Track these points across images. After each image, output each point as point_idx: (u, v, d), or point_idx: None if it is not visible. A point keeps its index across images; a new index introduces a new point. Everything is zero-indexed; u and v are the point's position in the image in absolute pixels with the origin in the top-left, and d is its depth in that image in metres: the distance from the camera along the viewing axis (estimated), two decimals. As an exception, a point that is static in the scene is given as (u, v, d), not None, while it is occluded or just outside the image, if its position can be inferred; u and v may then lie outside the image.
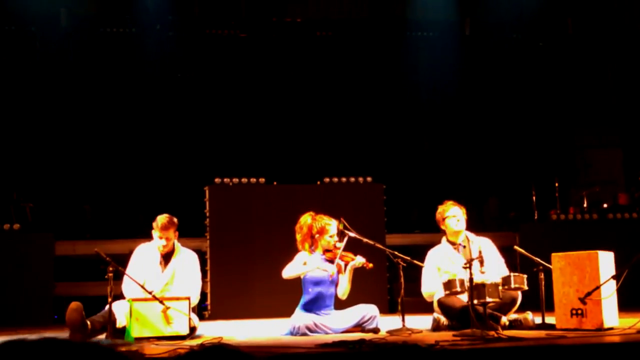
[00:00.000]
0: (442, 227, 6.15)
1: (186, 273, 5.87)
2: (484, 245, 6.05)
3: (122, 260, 5.86)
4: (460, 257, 5.91)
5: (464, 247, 5.98)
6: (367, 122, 11.36)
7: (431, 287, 6.00)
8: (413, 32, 11.61)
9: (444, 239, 6.17)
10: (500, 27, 11.49)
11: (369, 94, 11.47)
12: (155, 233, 5.81)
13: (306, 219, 5.94)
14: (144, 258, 5.86)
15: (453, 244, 6.10)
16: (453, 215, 6.06)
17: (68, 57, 10.74)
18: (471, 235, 6.15)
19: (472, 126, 11.49)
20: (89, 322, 5.38)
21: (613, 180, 11.29)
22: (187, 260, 5.94)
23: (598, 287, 5.27)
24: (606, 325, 5.28)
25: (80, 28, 10.81)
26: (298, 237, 5.94)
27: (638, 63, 11.57)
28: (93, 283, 8.37)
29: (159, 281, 5.77)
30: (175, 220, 5.87)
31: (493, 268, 5.84)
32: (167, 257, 5.87)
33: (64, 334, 5.64)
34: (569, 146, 11.86)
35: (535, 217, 9.73)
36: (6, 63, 10.55)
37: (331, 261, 5.84)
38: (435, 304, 5.97)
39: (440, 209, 6.15)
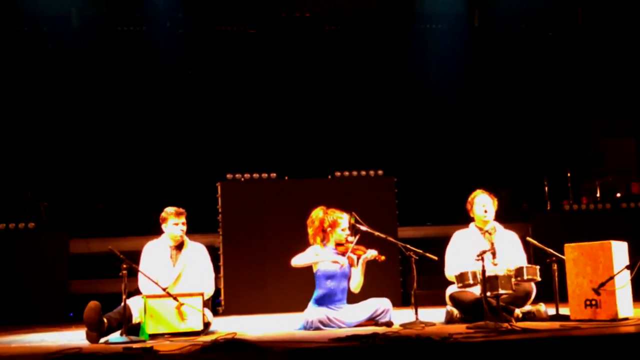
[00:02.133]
0: (471, 215, 6.13)
1: (197, 266, 5.92)
2: (509, 239, 6.03)
3: (136, 257, 5.91)
4: (487, 244, 5.87)
5: (490, 234, 5.96)
6: (377, 116, 11.35)
7: (455, 269, 5.85)
8: (421, 24, 11.57)
9: (472, 224, 6.14)
10: (509, 18, 11.42)
11: (379, 88, 11.45)
12: (171, 220, 5.85)
13: (318, 213, 5.96)
14: (154, 254, 5.90)
15: (480, 229, 6.07)
16: (480, 203, 6.05)
17: (79, 57, 10.80)
18: (499, 227, 6.12)
19: (483, 118, 11.44)
20: (105, 320, 5.43)
21: (626, 170, 11.21)
22: (197, 253, 5.98)
23: (612, 278, 5.24)
24: (621, 315, 5.25)
25: (91, 27, 10.86)
26: (310, 231, 5.95)
27: (650, 51, 11.49)
28: (108, 280, 8.41)
29: (171, 276, 5.81)
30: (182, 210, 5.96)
31: (514, 262, 5.77)
32: (176, 252, 5.91)
33: (80, 331, 5.71)
34: (581, 136, 11.78)
35: (548, 208, 9.68)
36: (19, 63, 10.62)
37: (343, 255, 5.86)
38: (447, 298, 5.96)
39: (472, 195, 6.14)
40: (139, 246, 6.14)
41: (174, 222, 5.86)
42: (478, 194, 6.10)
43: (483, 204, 6.04)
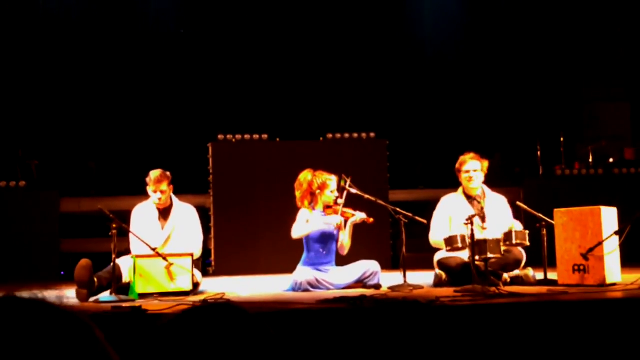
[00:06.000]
0: (460, 179, 6.09)
1: (186, 227, 5.91)
2: (498, 203, 6.02)
3: (127, 217, 5.90)
4: (472, 211, 5.85)
5: (478, 202, 5.93)
6: (371, 77, 11.24)
7: (439, 236, 5.86)
8: (418, -17, 11.42)
9: (460, 189, 6.10)
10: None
11: (373, 49, 11.33)
12: (150, 188, 5.84)
13: (306, 175, 5.93)
14: (142, 216, 5.89)
15: (469, 197, 6.04)
16: (467, 171, 5.99)
17: (70, 14, 10.63)
18: (487, 191, 6.09)
19: (477, 80, 11.35)
20: (96, 279, 5.44)
21: (620, 135, 11.18)
22: (186, 215, 5.97)
23: (600, 243, 5.26)
24: (608, 281, 5.28)
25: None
26: (297, 194, 5.93)
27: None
28: (98, 239, 8.37)
29: (160, 237, 5.80)
30: (168, 173, 5.89)
31: (502, 227, 5.77)
32: (165, 213, 5.90)
33: (71, 289, 5.72)
34: (575, 100, 11.71)
35: (540, 173, 9.68)
36: (8, 21, 10.45)
37: (332, 216, 5.85)
38: (435, 264, 5.97)
39: (460, 160, 6.05)
40: (130, 206, 6.13)
41: (152, 190, 5.83)
42: (465, 160, 6.02)
43: (469, 171, 5.99)
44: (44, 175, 9.42)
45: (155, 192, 5.82)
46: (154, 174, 5.84)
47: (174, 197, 5.99)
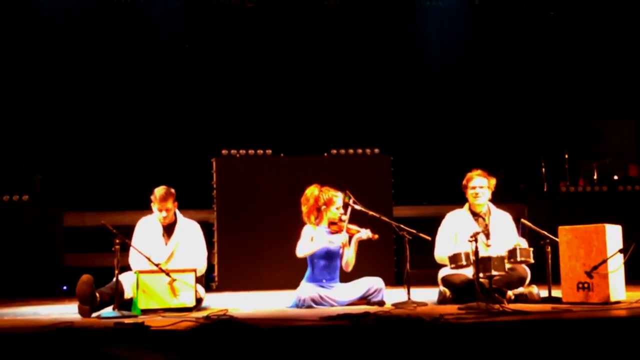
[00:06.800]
0: (466, 196, 6.08)
1: (190, 243, 5.89)
2: (503, 220, 6.00)
3: (131, 232, 5.89)
4: (478, 227, 5.83)
5: (483, 219, 5.93)
6: (375, 93, 11.26)
7: (444, 252, 5.83)
8: (422, 1, 11.44)
9: (466, 206, 6.09)
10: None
11: (377, 65, 11.35)
12: (155, 206, 5.83)
13: (313, 190, 5.92)
14: (146, 231, 5.88)
15: (475, 214, 6.03)
16: (473, 187, 5.98)
17: (76, 27, 10.68)
18: (493, 208, 6.08)
19: (481, 97, 11.36)
20: (98, 295, 5.42)
21: (624, 152, 11.17)
22: (190, 231, 5.95)
23: (605, 261, 5.23)
24: (613, 299, 5.24)
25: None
26: (304, 208, 5.92)
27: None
28: (102, 254, 8.37)
29: (163, 253, 5.79)
30: (172, 190, 5.88)
31: (506, 244, 5.74)
32: (169, 229, 5.89)
33: (73, 305, 5.70)
34: (580, 116, 11.71)
35: (545, 190, 9.66)
36: (15, 33, 10.50)
37: (337, 234, 5.84)
38: (439, 280, 5.95)
39: (467, 176, 6.05)
40: (133, 221, 6.12)
41: (157, 208, 5.83)
42: (472, 176, 6.02)
43: (475, 187, 5.98)
44: (48, 189, 9.43)
45: (160, 210, 5.81)
46: (159, 192, 5.83)
47: (178, 213, 5.98)
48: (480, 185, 5.97)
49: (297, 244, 5.85)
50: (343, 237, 5.78)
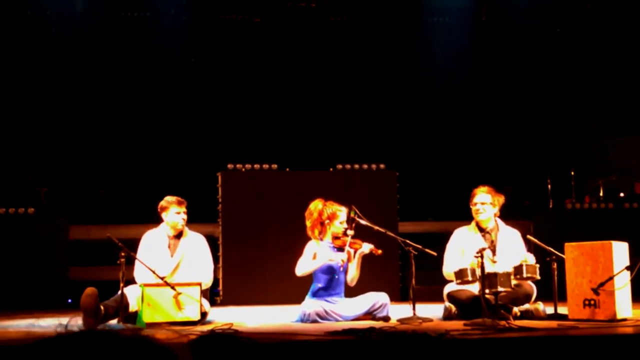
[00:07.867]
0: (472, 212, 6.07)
1: (196, 256, 5.90)
2: (510, 237, 5.98)
3: (136, 246, 5.90)
4: (485, 243, 5.81)
5: (489, 233, 5.91)
6: (381, 109, 11.29)
7: (452, 268, 5.79)
8: (428, 17, 11.48)
9: (474, 222, 6.07)
10: (517, 13, 11.33)
11: (383, 80, 11.39)
12: (173, 209, 5.83)
13: (317, 205, 5.93)
14: (152, 244, 5.89)
15: (482, 229, 6.01)
16: (475, 203, 5.97)
17: (83, 41, 10.74)
18: (501, 224, 6.06)
19: (487, 113, 11.37)
20: (102, 307, 5.42)
21: (630, 169, 11.15)
22: (195, 244, 5.96)
23: (611, 278, 5.21)
24: (619, 316, 5.22)
25: (95, 12, 10.80)
26: (308, 223, 5.92)
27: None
28: (107, 267, 8.38)
29: (169, 266, 5.79)
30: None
31: (513, 260, 5.72)
32: (175, 242, 5.89)
33: (77, 318, 5.69)
34: (586, 133, 11.71)
35: (550, 206, 9.64)
36: (22, 47, 10.58)
37: (340, 249, 5.83)
38: (445, 296, 5.92)
39: (473, 191, 6.04)
40: (139, 234, 6.13)
41: (176, 211, 5.84)
42: (476, 192, 6.01)
43: (476, 203, 5.98)
44: (53, 202, 9.45)
45: (178, 213, 5.84)
46: (173, 197, 5.88)
47: (184, 226, 5.99)
48: (482, 202, 5.96)
49: (297, 262, 5.84)
50: (344, 254, 5.76)
